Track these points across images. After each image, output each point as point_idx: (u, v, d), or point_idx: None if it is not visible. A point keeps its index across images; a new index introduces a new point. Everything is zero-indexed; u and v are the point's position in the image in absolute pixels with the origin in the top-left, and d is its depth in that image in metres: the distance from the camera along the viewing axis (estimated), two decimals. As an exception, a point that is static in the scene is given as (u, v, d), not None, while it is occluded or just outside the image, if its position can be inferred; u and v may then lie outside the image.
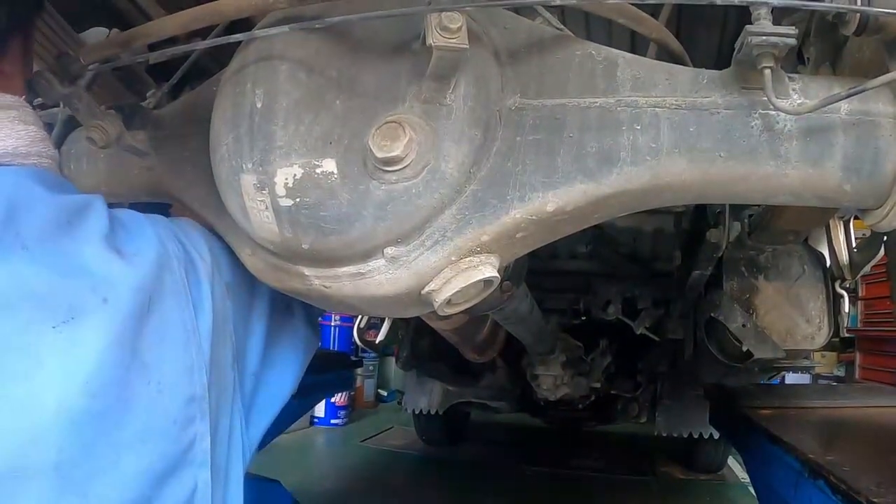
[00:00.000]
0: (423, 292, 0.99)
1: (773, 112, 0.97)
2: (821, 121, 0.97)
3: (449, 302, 0.99)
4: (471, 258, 0.98)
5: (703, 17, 2.05)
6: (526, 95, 1.02)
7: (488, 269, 0.98)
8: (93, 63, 1.10)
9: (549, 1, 0.97)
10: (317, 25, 0.96)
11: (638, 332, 3.76)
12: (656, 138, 0.99)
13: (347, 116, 0.97)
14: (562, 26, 1.09)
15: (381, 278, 0.99)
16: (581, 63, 1.04)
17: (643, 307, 3.72)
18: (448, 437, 6.72)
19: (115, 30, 1.85)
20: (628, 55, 1.04)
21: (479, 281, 0.98)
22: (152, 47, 1.16)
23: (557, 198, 0.98)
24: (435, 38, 0.88)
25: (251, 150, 0.99)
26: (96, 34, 1.77)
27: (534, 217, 0.99)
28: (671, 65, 1.05)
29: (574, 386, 4.42)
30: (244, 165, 0.99)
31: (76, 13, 1.67)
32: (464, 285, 0.97)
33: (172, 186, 1.26)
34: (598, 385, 4.62)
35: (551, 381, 4.29)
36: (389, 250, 0.98)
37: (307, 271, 1.03)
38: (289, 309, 1.24)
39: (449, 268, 0.98)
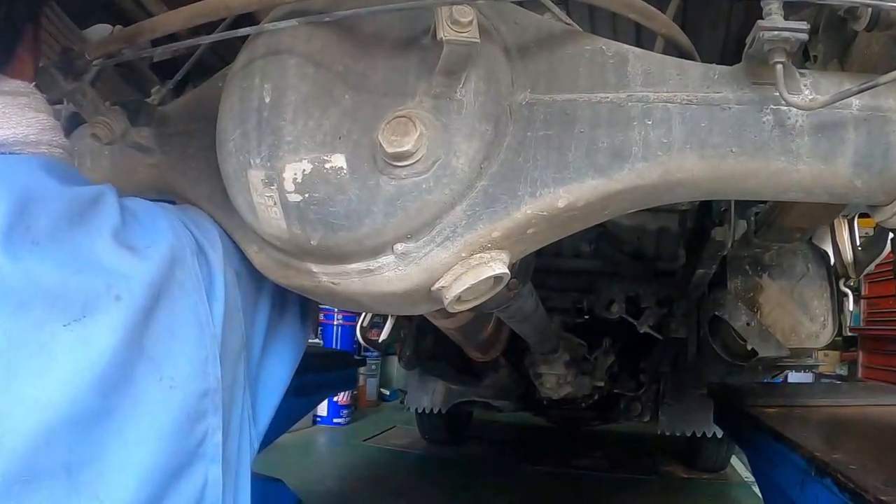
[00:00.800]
0: (432, 289, 0.98)
1: (785, 107, 0.96)
2: (832, 116, 0.96)
3: (459, 299, 0.98)
4: (481, 255, 0.97)
5: (708, 12, 2.04)
6: (536, 90, 1.01)
7: (499, 266, 0.97)
8: (97, 59, 1.10)
9: (559, -5, 0.96)
10: (326, 19, 0.95)
11: (641, 331, 3.75)
12: (668, 133, 0.98)
13: (357, 111, 0.96)
14: (571, 21, 1.09)
15: (390, 275, 0.99)
16: (591, 58, 1.03)
17: (646, 306, 3.71)
18: (451, 436, 6.74)
19: (118, 26, 1.85)
20: (638, 50, 1.03)
21: (490, 277, 0.97)
22: (157, 43, 1.16)
23: (569, 193, 0.97)
24: (446, 32, 0.87)
25: (259, 145, 0.98)
26: (99, 31, 1.77)
27: (545, 213, 0.98)
28: (682, 60, 1.04)
29: (577, 385, 4.42)
30: (252, 161, 0.98)
31: (79, 10, 1.67)
32: (474, 282, 0.96)
33: (177, 183, 1.25)
34: (601, 384, 4.61)
35: (554, 380, 4.29)
36: (399, 246, 0.97)
37: (315, 268, 1.03)
38: (286, 303, 1.24)
39: (459, 264, 0.97)
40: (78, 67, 1.08)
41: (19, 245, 0.74)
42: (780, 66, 0.92)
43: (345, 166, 0.95)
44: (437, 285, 0.98)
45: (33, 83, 0.95)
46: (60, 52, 1.07)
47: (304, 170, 0.95)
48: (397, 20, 0.99)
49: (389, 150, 0.91)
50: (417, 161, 0.92)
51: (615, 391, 5.07)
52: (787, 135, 0.97)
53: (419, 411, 5.74)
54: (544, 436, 7.35)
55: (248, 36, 1.04)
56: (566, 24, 1.08)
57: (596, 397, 5.01)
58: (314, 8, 1.00)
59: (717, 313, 2.90)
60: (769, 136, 0.97)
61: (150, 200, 1.00)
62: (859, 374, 9.43)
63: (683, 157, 0.98)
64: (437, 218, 0.96)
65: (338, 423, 7.89)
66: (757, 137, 0.97)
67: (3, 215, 0.74)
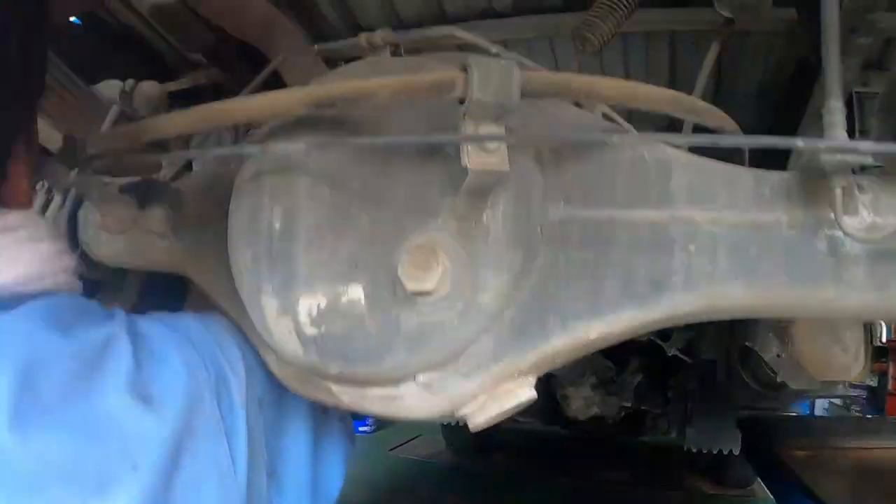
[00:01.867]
0: (457, 414, 0.92)
1: (840, 233, 0.88)
2: (893, 242, 0.87)
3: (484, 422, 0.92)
4: (507, 384, 0.91)
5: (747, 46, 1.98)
6: (570, 202, 0.93)
7: (526, 393, 0.91)
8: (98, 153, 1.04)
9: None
10: (338, 145, 0.88)
11: (670, 354, 3.69)
12: (713, 261, 0.89)
13: (375, 234, 0.89)
14: (622, 121, 1.01)
15: (412, 402, 0.92)
16: (631, 167, 0.94)
17: (675, 328, 3.65)
18: (476, 446, 6.70)
19: (129, 80, 1.81)
20: (682, 156, 0.95)
21: (517, 404, 0.91)
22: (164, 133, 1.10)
23: (602, 325, 0.90)
24: (471, 161, 0.79)
25: (271, 273, 0.91)
26: (110, 87, 1.73)
27: (575, 344, 0.91)
28: (729, 168, 0.94)
29: (604, 405, 4.38)
30: (264, 287, 0.92)
31: (87, 61, 1.62)
32: (500, 411, 0.90)
33: (194, 273, 1.19)
34: (628, 404, 4.55)
35: (581, 403, 4.24)
36: (422, 377, 0.90)
37: (335, 388, 0.96)
38: (326, 412, 1.18)
39: (485, 393, 0.91)
40: (81, 157, 1.02)
41: (28, 420, 0.68)
42: (839, 191, 0.84)
43: (362, 298, 0.88)
44: (461, 412, 0.91)
45: (31, 205, 0.89)
46: (63, 141, 1.01)
47: (318, 304, 0.89)
48: (419, 128, 0.91)
49: (411, 287, 0.84)
50: (441, 298, 0.86)
51: (642, 408, 5.01)
52: (840, 263, 0.88)
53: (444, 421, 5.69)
54: (570, 448, 7.30)
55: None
56: (610, 119, 1.01)
57: (623, 415, 4.95)
58: (326, 115, 0.92)
59: (747, 343, 2.83)
60: (822, 266, 0.88)
61: (166, 324, 0.92)
62: (889, 386, 9.29)
63: (728, 287, 0.89)
64: (462, 350, 0.89)
65: (363, 432, 7.83)
66: (809, 266, 0.88)
67: (7, 392, 0.67)
